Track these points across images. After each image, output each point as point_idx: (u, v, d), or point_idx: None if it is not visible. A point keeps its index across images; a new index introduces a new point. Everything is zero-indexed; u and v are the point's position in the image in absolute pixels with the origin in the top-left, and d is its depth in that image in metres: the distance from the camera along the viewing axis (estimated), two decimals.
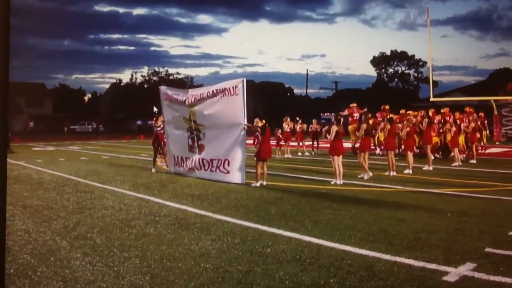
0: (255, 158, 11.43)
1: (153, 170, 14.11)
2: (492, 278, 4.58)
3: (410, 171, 13.39)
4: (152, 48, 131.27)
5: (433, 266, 4.97)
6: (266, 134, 11.41)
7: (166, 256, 5.39)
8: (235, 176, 11.54)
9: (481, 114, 20.52)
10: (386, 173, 13.05)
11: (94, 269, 4.93)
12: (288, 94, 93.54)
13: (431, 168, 14.29)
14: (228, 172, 11.72)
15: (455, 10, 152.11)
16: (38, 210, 8.16)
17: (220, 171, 11.91)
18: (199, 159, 12.53)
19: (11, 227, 6.82)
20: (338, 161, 11.49)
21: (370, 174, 12.24)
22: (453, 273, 4.72)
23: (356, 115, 19.34)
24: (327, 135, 12.77)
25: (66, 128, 54.84)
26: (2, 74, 2.25)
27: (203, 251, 5.59)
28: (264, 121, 11.66)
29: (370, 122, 13.20)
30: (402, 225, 6.86)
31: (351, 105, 20.14)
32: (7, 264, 5.03)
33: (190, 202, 8.93)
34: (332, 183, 11.35)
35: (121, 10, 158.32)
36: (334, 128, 11.69)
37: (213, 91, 12.02)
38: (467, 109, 18.79)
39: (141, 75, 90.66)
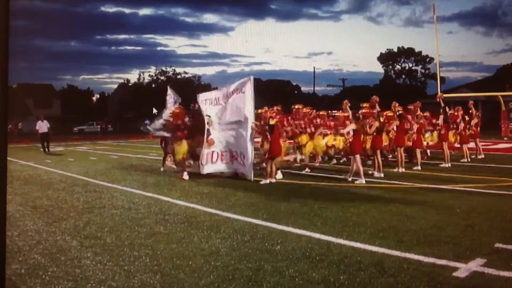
0: (265, 156, 11.43)
1: (162, 169, 14.16)
2: (502, 273, 4.57)
3: (419, 168, 13.34)
4: (159, 48, 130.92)
5: (443, 262, 4.96)
6: (274, 132, 11.38)
7: (176, 254, 5.42)
8: (245, 172, 11.56)
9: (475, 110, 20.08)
10: (395, 170, 12.99)
11: (104, 268, 4.97)
12: (296, 92, 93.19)
13: (448, 165, 14.07)
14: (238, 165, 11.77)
15: (460, 6, 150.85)
16: (48, 210, 8.22)
17: (234, 162, 11.91)
18: (206, 153, 12.49)
19: (21, 227, 6.89)
20: (357, 159, 11.27)
21: (382, 174, 12.02)
22: (463, 269, 4.72)
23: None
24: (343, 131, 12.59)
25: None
26: (2, 74, 2.24)
27: (213, 249, 5.61)
28: (275, 120, 11.65)
29: (382, 119, 12.98)
30: (411, 222, 6.85)
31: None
32: (18, 264, 5.09)
33: (199, 201, 8.95)
34: (357, 182, 10.96)
35: (127, 10, 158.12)
36: (351, 126, 11.48)
37: (227, 93, 11.97)
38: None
39: (149, 75, 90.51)
